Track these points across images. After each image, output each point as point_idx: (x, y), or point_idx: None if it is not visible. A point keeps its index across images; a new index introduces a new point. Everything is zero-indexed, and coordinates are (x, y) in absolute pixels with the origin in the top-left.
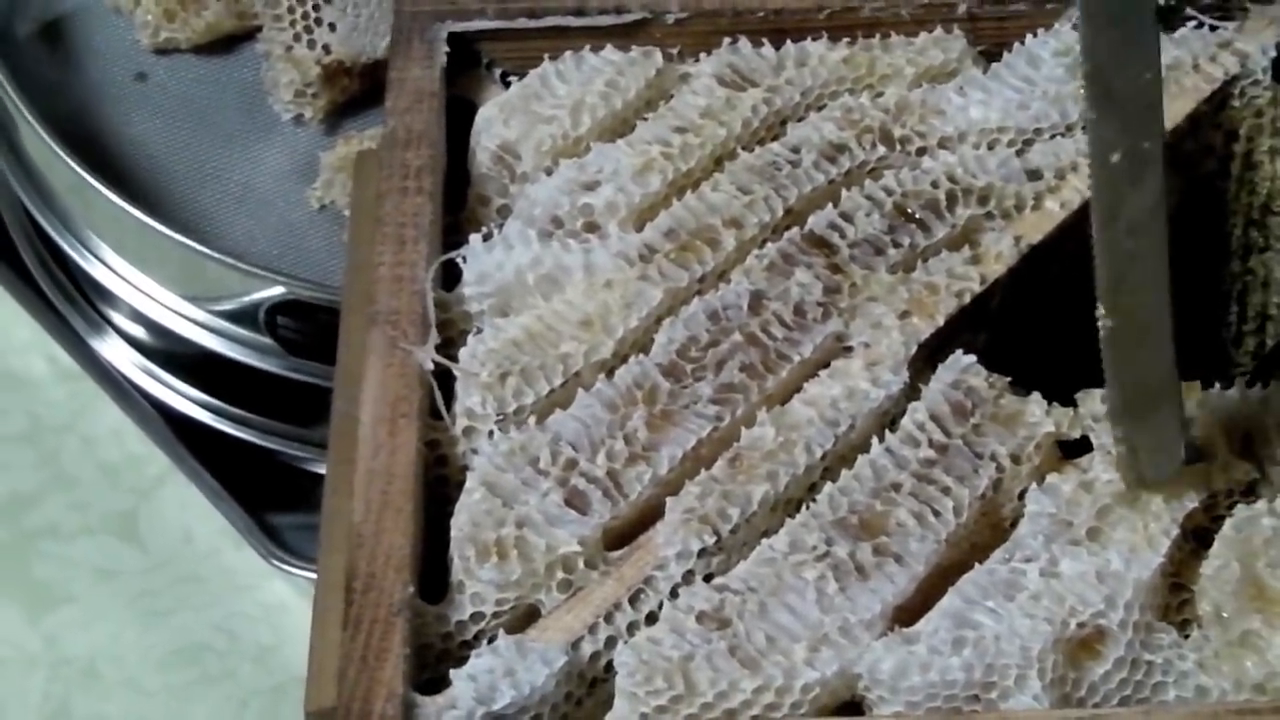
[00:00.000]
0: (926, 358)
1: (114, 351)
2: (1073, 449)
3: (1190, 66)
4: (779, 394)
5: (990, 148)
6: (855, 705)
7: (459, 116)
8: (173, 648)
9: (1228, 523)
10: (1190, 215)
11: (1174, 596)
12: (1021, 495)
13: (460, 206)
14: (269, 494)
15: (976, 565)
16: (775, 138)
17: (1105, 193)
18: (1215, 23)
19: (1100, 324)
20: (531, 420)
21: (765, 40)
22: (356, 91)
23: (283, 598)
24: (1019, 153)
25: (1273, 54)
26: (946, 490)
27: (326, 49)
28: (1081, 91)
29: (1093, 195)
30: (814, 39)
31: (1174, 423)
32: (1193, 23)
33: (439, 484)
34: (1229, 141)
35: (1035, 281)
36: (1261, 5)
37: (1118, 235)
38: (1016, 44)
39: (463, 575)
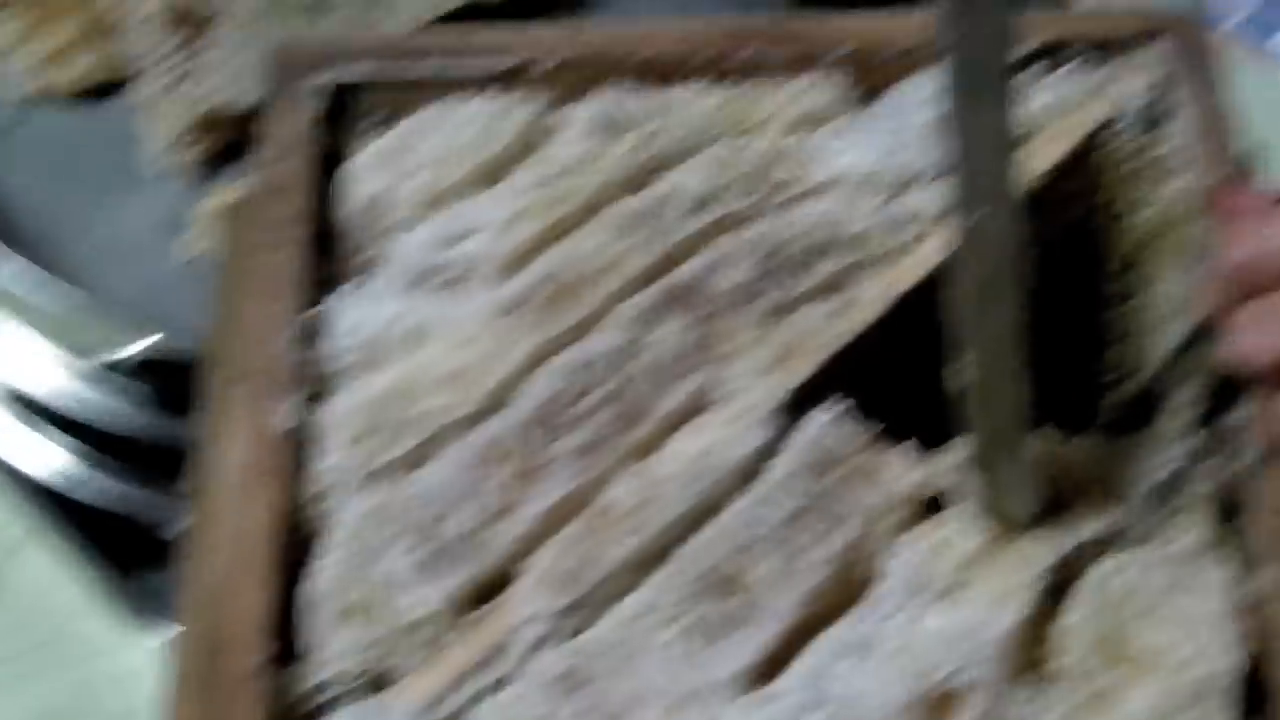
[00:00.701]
0: (793, 409)
1: None
2: (937, 504)
3: (1064, 112)
4: (643, 448)
5: (864, 195)
6: None
7: (330, 167)
8: (31, 713)
9: (1086, 576)
10: (1057, 263)
11: (1033, 652)
12: (882, 552)
13: (330, 259)
14: (131, 555)
15: (837, 622)
16: (647, 186)
17: (962, 249)
18: (1090, 68)
19: (956, 375)
20: (394, 479)
21: (639, 87)
22: (231, 142)
23: (142, 661)
24: (891, 199)
25: (1146, 100)
26: (807, 546)
27: (200, 99)
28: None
29: (951, 251)
30: (688, 85)
31: (1022, 471)
32: (1068, 68)
33: (298, 544)
34: (1099, 187)
35: (906, 330)
36: (1137, 51)
37: (969, 291)
38: (892, 90)
39: (320, 637)
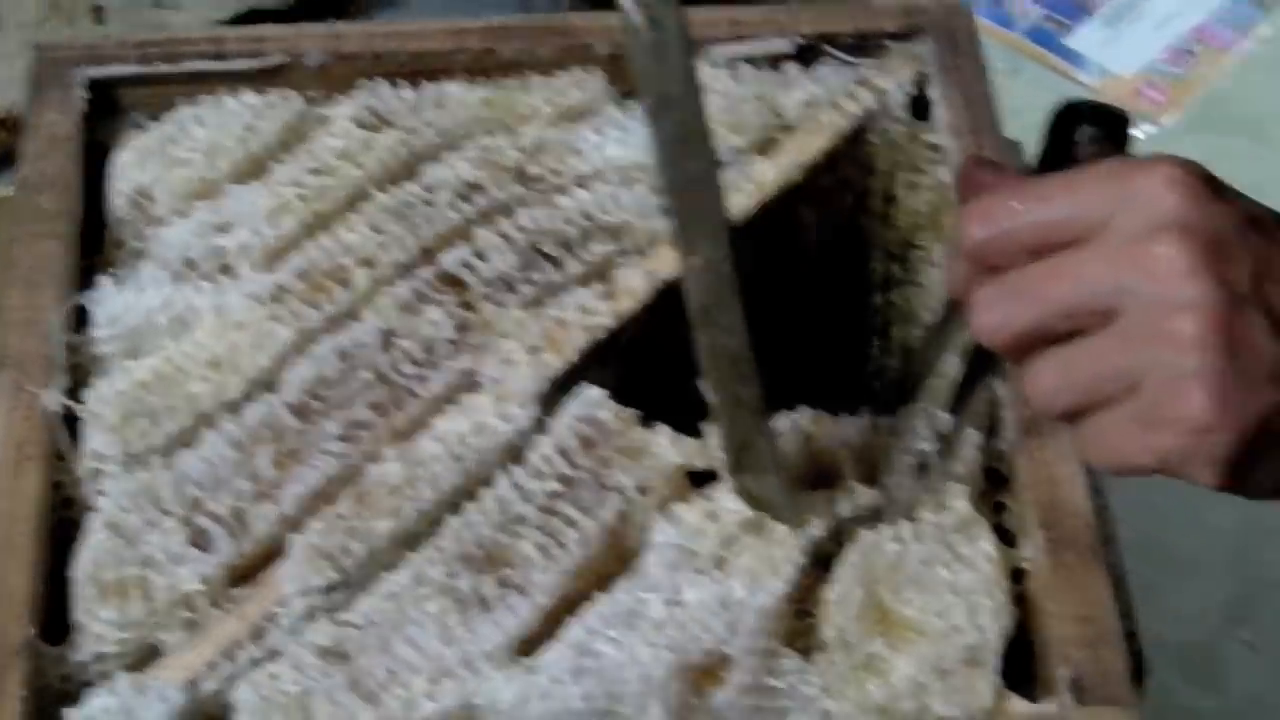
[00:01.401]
0: (557, 392)
1: None
2: (701, 479)
3: (828, 103)
4: (407, 430)
5: (626, 185)
6: None
7: (97, 162)
8: None
9: (851, 548)
10: (830, 250)
11: (799, 622)
12: (648, 526)
13: (97, 250)
14: None
15: (602, 595)
16: (412, 178)
17: (684, 279)
18: (853, 60)
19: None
20: (157, 461)
21: (404, 82)
22: (11, 144)
23: None
24: (653, 190)
25: (910, 91)
26: (572, 522)
27: None
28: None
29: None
30: (453, 81)
31: (768, 473)
32: (831, 60)
33: (64, 526)
34: (866, 177)
35: (667, 316)
36: (900, 43)
37: (707, 329)
38: None
39: (84, 616)
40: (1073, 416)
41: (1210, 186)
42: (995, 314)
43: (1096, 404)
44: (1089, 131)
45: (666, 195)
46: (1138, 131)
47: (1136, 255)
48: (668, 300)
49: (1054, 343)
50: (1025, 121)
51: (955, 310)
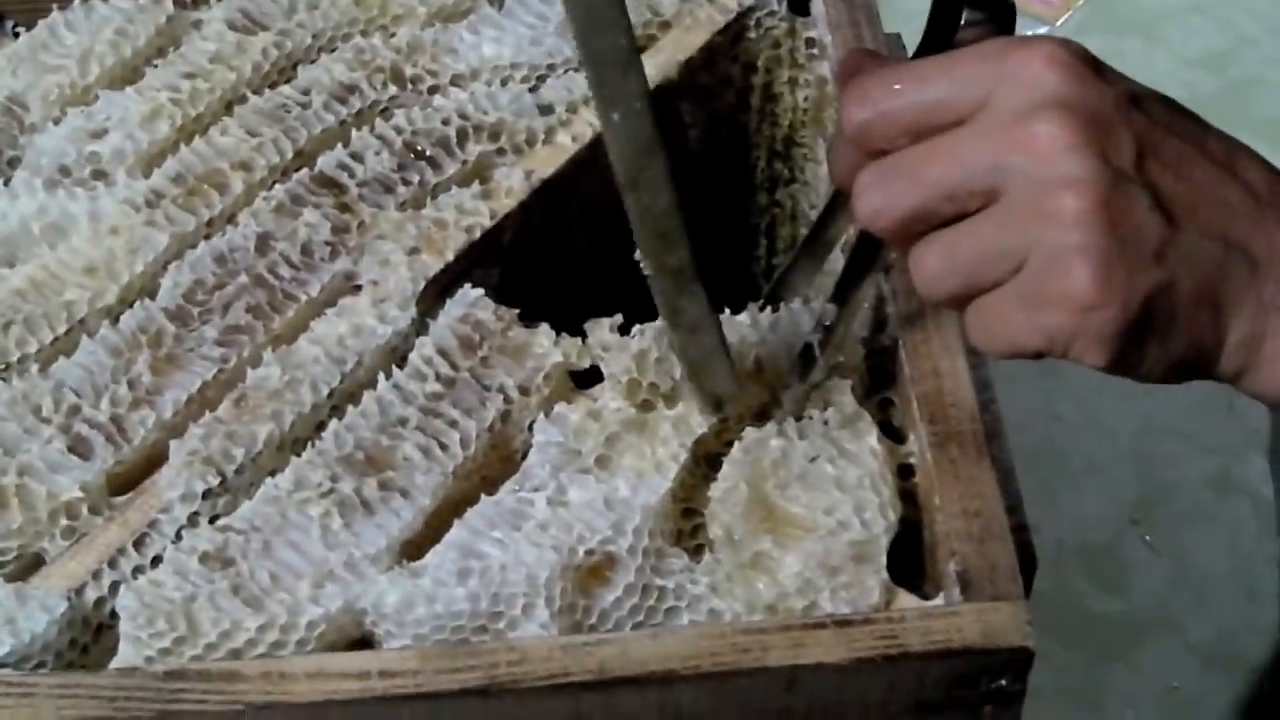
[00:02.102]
0: (437, 294)
1: None
2: (584, 380)
3: (701, 1)
4: (286, 334)
5: (503, 84)
6: (366, 642)
7: None
8: None
9: (736, 445)
10: (713, 149)
11: (686, 522)
12: (531, 426)
13: None
14: None
15: (485, 497)
16: (286, 81)
17: (614, 153)
18: None
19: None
20: (35, 369)
21: None
22: None
23: None
24: (532, 89)
25: None
26: (454, 424)
27: None
28: None
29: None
30: None
31: (720, 352)
32: None
33: None
34: (747, 74)
35: (547, 215)
36: None
37: (635, 193)
38: None
39: None
40: (959, 301)
41: (1091, 65)
42: (876, 197)
43: (981, 286)
44: (972, 15)
45: (582, 54)
46: (1030, 33)
47: (1016, 133)
48: (547, 199)
49: (938, 227)
50: (908, 26)
51: (838, 202)
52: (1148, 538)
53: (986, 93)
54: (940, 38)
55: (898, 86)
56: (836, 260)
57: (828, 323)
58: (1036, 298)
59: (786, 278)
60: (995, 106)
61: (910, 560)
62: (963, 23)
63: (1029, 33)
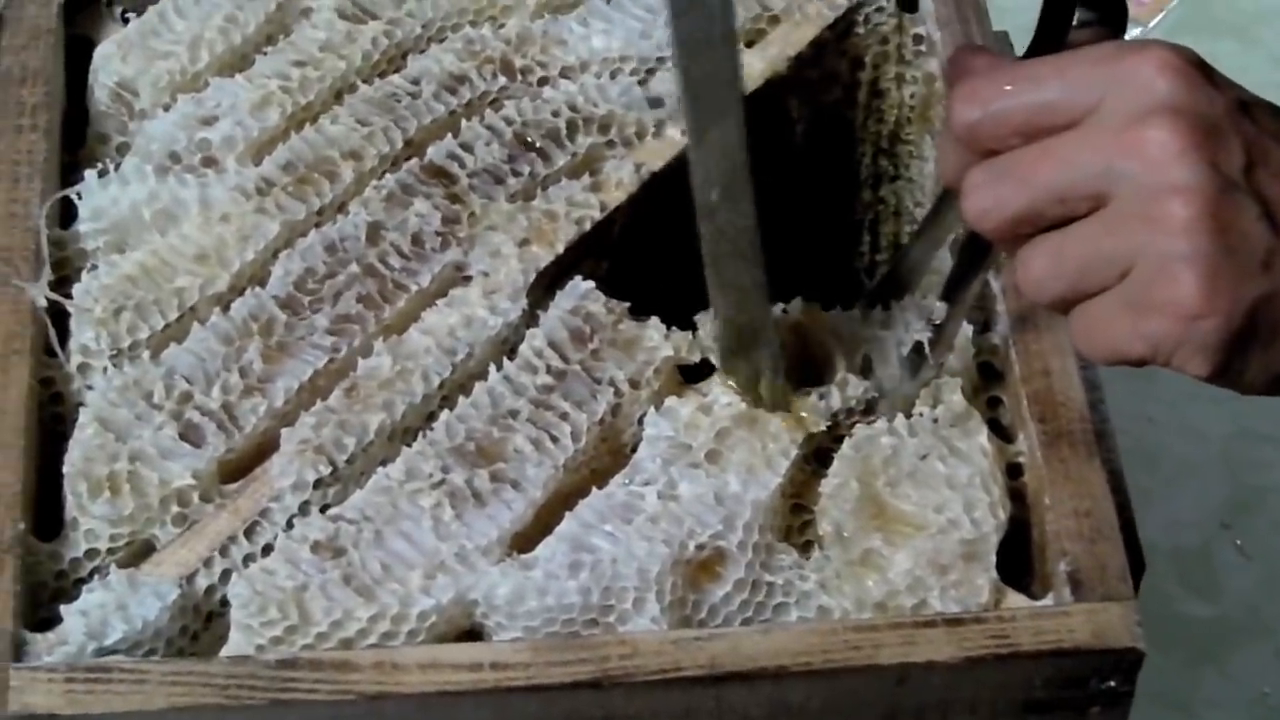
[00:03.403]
0: (546, 286)
1: None
2: (693, 374)
3: None
4: (397, 324)
5: (612, 76)
6: (475, 633)
7: (78, 55)
8: None
9: (847, 442)
10: (819, 144)
11: (795, 518)
12: (641, 420)
13: (80, 144)
14: None
15: (595, 490)
16: (396, 70)
17: (693, 160)
18: None
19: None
20: (146, 355)
21: None
22: None
23: None
24: (641, 81)
25: None
26: (564, 416)
27: None
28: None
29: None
30: None
31: (773, 359)
32: None
33: (53, 421)
34: (855, 70)
35: (656, 208)
36: None
37: (707, 196)
38: None
39: (76, 512)
40: (1065, 305)
41: (1203, 71)
42: (986, 197)
43: (1087, 290)
44: (1083, 15)
45: (680, 73)
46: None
47: (1127, 138)
48: (656, 192)
49: (1047, 229)
50: (1013, 23)
51: (947, 200)
52: (1239, 542)
53: (1098, 97)
54: (1051, 37)
55: (1009, 87)
56: (942, 257)
57: (938, 321)
58: (1142, 304)
59: (894, 272)
60: (1106, 111)
61: (1018, 559)
62: (1074, 23)
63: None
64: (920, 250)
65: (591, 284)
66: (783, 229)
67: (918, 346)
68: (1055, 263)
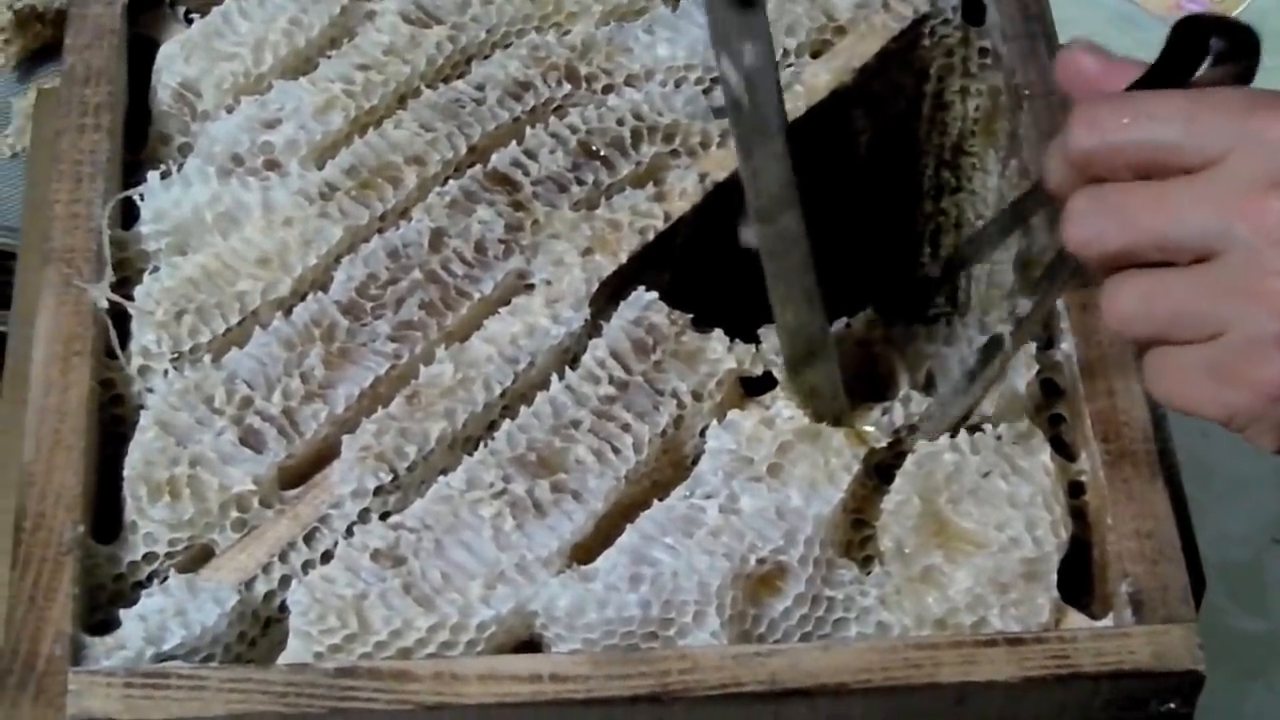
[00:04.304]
0: (609, 295)
1: None
2: (756, 386)
3: (880, 5)
4: (459, 331)
5: (677, 85)
6: (534, 644)
7: (141, 55)
8: None
9: (909, 458)
10: (882, 155)
11: (856, 533)
12: (703, 432)
13: (142, 145)
14: None
15: (656, 502)
16: (460, 76)
17: (744, 181)
18: None
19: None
20: (207, 359)
21: None
22: (50, 38)
23: None
24: (705, 91)
25: None
26: (626, 427)
27: None
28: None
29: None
30: None
31: (830, 374)
32: None
33: (113, 423)
34: (920, 82)
35: (720, 218)
36: None
37: (761, 210)
38: None
39: (135, 515)
40: (1145, 344)
41: None
42: (1088, 228)
43: (1172, 339)
44: (1218, 45)
45: (725, 95)
46: None
47: (1249, 203)
48: (720, 202)
49: (1142, 265)
50: (1069, 31)
51: (1035, 196)
52: None
53: (1224, 150)
54: (1178, 70)
55: (1127, 120)
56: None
57: (1001, 338)
58: (1227, 373)
59: (971, 245)
60: (1230, 167)
61: (1078, 578)
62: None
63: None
64: (1001, 226)
65: (655, 294)
66: (846, 240)
67: (981, 364)
68: (1146, 305)
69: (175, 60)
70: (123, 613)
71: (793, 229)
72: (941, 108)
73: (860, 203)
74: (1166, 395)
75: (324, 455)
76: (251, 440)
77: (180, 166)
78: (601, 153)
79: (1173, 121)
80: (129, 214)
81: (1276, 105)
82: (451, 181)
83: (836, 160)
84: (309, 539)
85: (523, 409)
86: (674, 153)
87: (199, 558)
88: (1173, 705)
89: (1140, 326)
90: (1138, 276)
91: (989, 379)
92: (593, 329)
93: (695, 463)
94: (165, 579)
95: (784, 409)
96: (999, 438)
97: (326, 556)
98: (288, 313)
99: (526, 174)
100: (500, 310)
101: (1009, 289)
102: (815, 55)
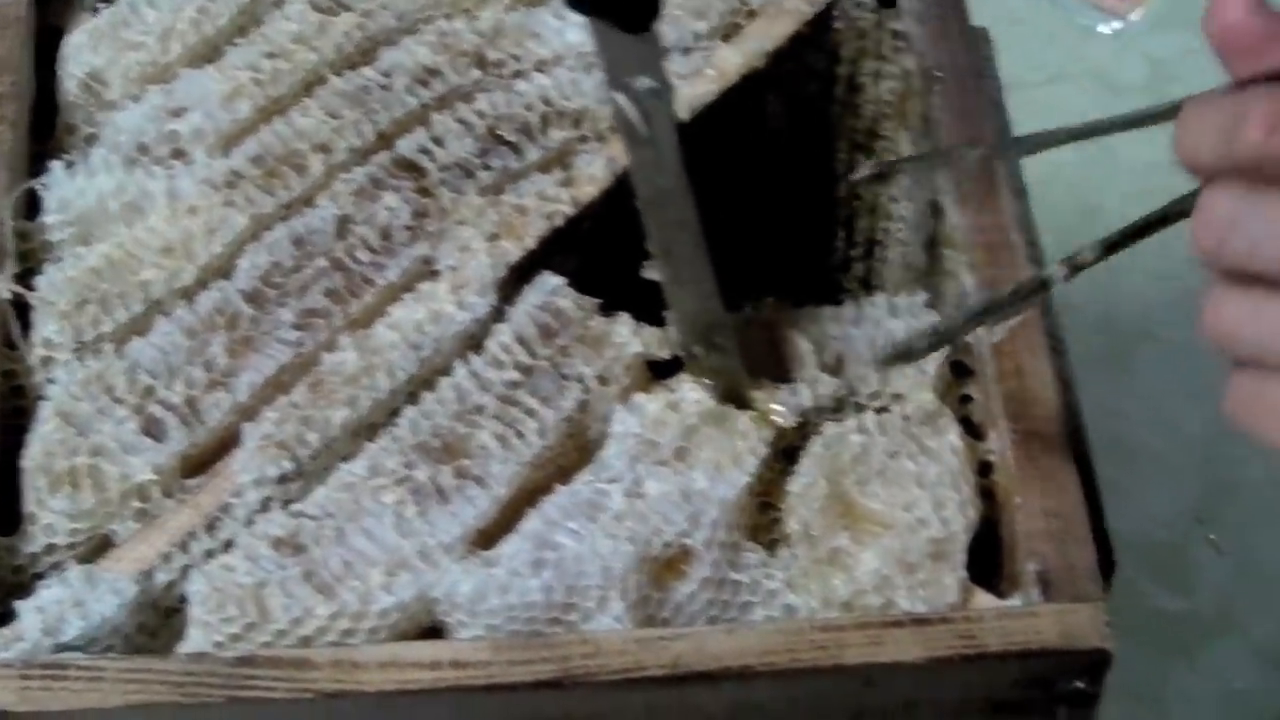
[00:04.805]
0: (516, 281)
1: None
2: (663, 370)
3: None
4: (363, 319)
5: (586, 70)
6: (438, 631)
7: (49, 45)
8: None
9: (815, 440)
10: (796, 139)
11: (763, 516)
12: (609, 417)
13: (49, 135)
14: None
15: (560, 487)
16: (369, 63)
17: (633, 161)
18: None
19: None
20: (109, 348)
21: None
22: None
23: None
24: None
25: None
26: (531, 412)
27: None
28: None
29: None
30: None
31: (732, 358)
32: None
33: (14, 415)
34: (832, 64)
35: (628, 203)
36: None
37: (650, 195)
38: None
39: (35, 506)
40: (1241, 362)
41: None
42: (1230, 236)
43: (1271, 365)
44: None
45: (606, 89)
46: (1104, 28)
47: None
48: (628, 187)
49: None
50: (991, 14)
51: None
52: (1212, 536)
53: None
54: None
55: None
56: (916, 255)
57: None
58: None
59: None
60: None
61: (986, 558)
62: None
63: (1098, 27)
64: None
65: (561, 279)
66: (759, 224)
67: (891, 345)
68: (1255, 325)
69: (82, 50)
70: (20, 604)
71: (682, 218)
72: (854, 90)
73: (774, 186)
74: (1250, 422)
75: (227, 444)
76: (153, 429)
77: (86, 157)
78: (510, 139)
79: None
80: (34, 205)
81: None
82: (358, 169)
83: (750, 144)
84: (210, 528)
85: (426, 395)
86: (582, 138)
87: (99, 548)
88: (1080, 684)
89: (1240, 345)
90: (1253, 290)
91: (903, 372)
92: (499, 315)
93: (601, 448)
94: (65, 570)
95: (690, 392)
96: (906, 418)
97: (229, 546)
98: (191, 301)
99: (434, 160)
100: (405, 297)
101: (920, 270)
102: (726, 39)
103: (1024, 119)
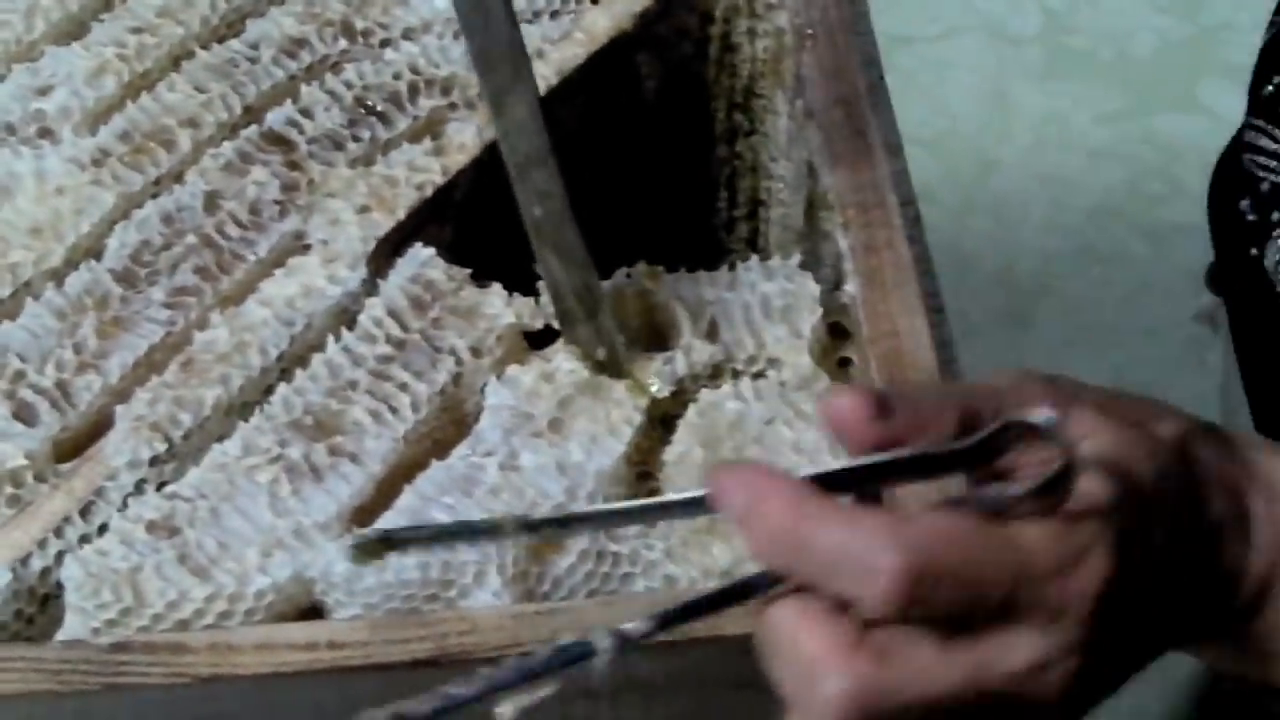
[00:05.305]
0: (389, 253)
1: None
2: (540, 340)
3: None
4: (234, 295)
5: (455, 37)
6: (318, 611)
7: None
8: None
9: (691, 408)
10: (671, 101)
11: (642, 485)
12: (483, 389)
13: None
14: None
15: (436, 462)
16: (236, 35)
17: (499, 134)
18: None
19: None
20: None
21: None
22: None
23: None
24: None
25: None
26: (404, 386)
27: None
28: None
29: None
30: None
31: (605, 325)
32: None
33: None
34: (705, 24)
35: (500, 171)
36: None
37: (517, 166)
38: None
39: None
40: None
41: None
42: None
43: None
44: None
45: (475, 63)
46: None
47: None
48: (499, 155)
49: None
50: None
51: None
52: None
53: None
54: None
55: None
56: (794, 216)
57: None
58: None
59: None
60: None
61: None
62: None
63: None
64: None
65: (432, 251)
66: (638, 188)
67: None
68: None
69: None
70: None
71: (548, 185)
72: (729, 50)
73: (652, 150)
74: None
75: (99, 427)
76: (24, 414)
77: None
78: (378, 108)
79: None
80: None
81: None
82: (226, 143)
83: (624, 106)
84: (85, 513)
85: (299, 372)
86: (452, 105)
87: None
88: None
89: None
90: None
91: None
92: (371, 288)
93: (476, 420)
94: None
95: (565, 362)
96: (783, 384)
97: (103, 530)
98: (60, 283)
99: (302, 133)
100: (276, 272)
101: (800, 231)
102: (595, 1)
103: (920, 72)
